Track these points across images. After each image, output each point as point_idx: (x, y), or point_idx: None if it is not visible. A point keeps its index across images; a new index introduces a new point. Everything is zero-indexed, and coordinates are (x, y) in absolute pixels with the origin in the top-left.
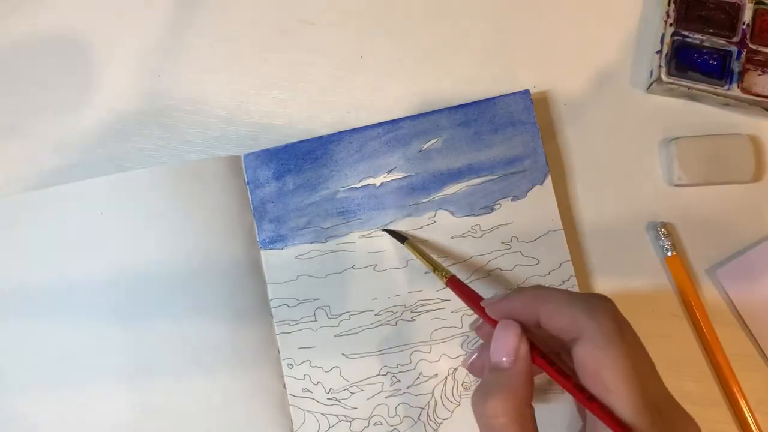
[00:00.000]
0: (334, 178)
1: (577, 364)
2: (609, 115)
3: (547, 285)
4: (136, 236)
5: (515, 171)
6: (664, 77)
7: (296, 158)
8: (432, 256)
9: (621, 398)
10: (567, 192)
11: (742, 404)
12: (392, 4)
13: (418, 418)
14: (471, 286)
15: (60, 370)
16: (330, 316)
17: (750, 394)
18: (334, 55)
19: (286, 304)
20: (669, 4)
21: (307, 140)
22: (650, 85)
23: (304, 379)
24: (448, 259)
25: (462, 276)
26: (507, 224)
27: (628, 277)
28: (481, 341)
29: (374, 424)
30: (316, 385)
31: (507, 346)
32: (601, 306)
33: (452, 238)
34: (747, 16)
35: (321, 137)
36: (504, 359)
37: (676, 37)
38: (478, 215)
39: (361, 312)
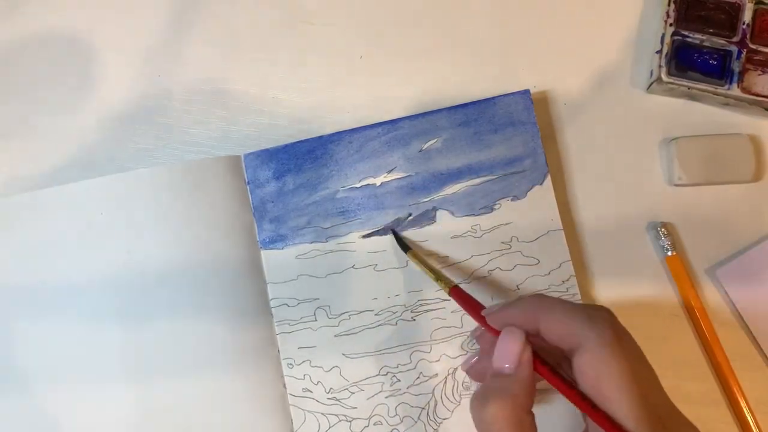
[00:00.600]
0: (334, 178)
1: (577, 373)
2: (609, 115)
3: (547, 284)
4: (136, 236)
5: (515, 171)
6: (664, 77)
7: (296, 158)
8: (434, 266)
9: (622, 408)
10: (567, 192)
11: (742, 404)
12: (392, 4)
13: (418, 418)
14: (471, 286)
15: (60, 371)
16: (330, 316)
17: (750, 394)
18: (334, 55)
19: (286, 304)
20: (669, 4)
21: (307, 140)
22: (650, 85)
23: (304, 379)
24: (449, 258)
25: (462, 276)
26: (507, 224)
27: (628, 277)
28: (481, 348)
29: (374, 424)
30: (316, 384)
31: (510, 352)
32: (601, 316)
33: (452, 237)
34: (747, 16)
35: (321, 137)
36: (506, 366)
37: (676, 37)
38: (478, 215)
39: (361, 312)
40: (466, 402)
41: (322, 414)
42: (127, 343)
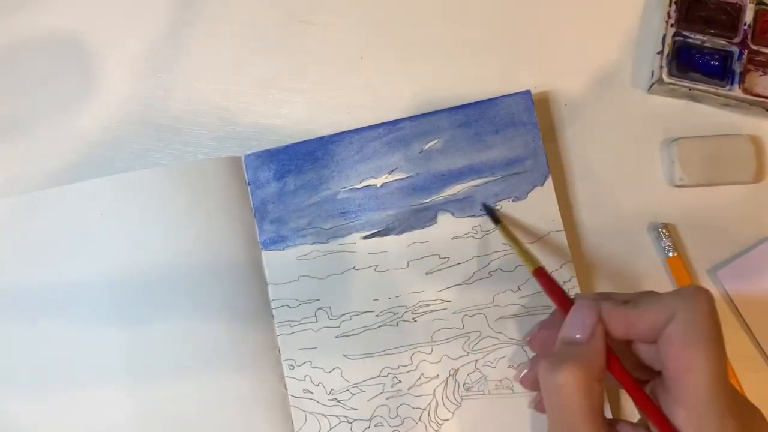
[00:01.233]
0: (335, 179)
1: (664, 344)
2: (610, 115)
3: None
4: (136, 237)
5: (516, 172)
6: (665, 78)
7: (297, 159)
8: (522, 244)
9: (703, 377)
10: (568, 193)
11: None
12: (392, 5)
13: (419, 419)
14: (472, 287)
15: (60, 371)
16: (331, 317)
17: (750, 394)
18: (334, 55)
19: (287, 305)
20: (670, 5)
21: (308, 141)
22: (651, 86)
23: (305, 380)
24: (450, 258)
25: (463, 277)
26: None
27: (630, 278)
28: (544, 320)
29: (375, 425)
30: (317, 386)
31: (584, 322)
32: (696, 289)
33: (453, 238)
34: (748, 16)
35: (322, 138)
36: (578, 336)
37: (677, 38)
38: (479, 216)
39: (362, 313)
40: (467, 403)
41: (323, 415)
42: (127, 344)
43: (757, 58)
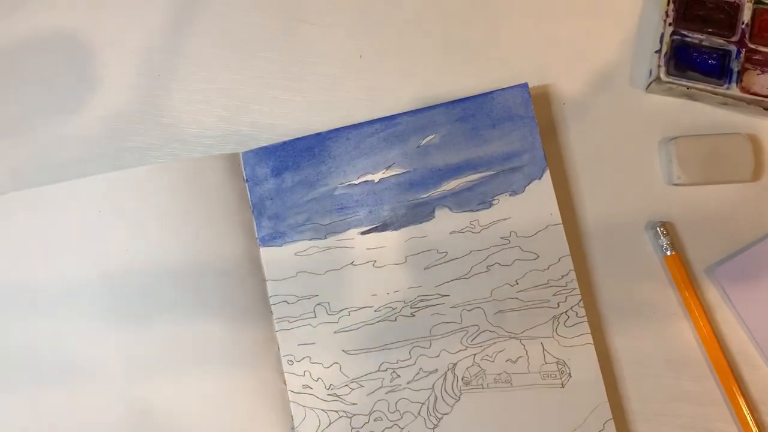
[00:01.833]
0: (332, 175)
1: None
2: (608, 114)
3: (546, 279)
4: (134, 234)
5: (513, 166)
6: (663, 77)
7: (294, 155)
8: None
9: None
10: (566, 191)
11: (742, 404)
12: (391, 4)
13: (418, 414)
14: (470, 281)
15: (58, 369)
16: (329, 313)
17: (750, 394)
18: (334, 54)
19: (286, 301)
20: (668, 4)
21: (305, 137)
22: (649, 85)
23: (304, 376)
24: (448, 253)
25: (461, 272)
26: (505, 219)
27: (627, 276)
28: None
29: (374, 420)
30: (316, 381)
31: None
32: None
33: (451, 233)
34: (746, 15)
35: (319, 134)
36: None
37: (675, 37)
38: (477, 210)
39: (361, 308)
40: (465, 397)
41: (323, 410)
42: (125, 341)
43: (754, 57)
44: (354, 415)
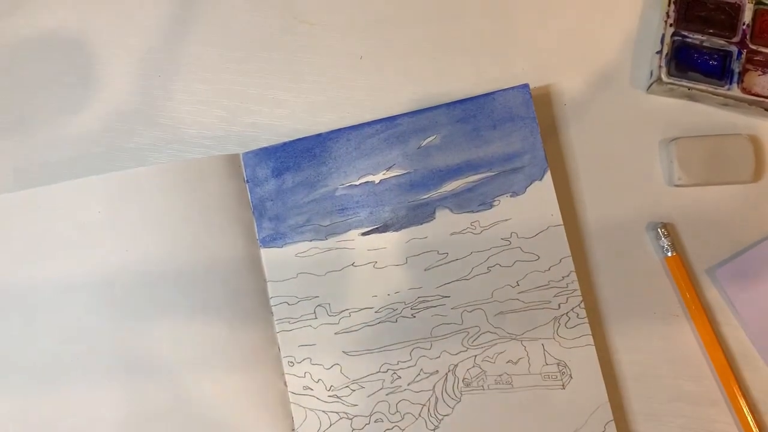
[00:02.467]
0: (333, 176)
1: None
2: (609, 115)
3: (547, 280)
4: (134, 235)
5: (514, 167)
6: (664, 77)
7: (295, 156)
8: None
9: None
10: (567, 192)
11: (742, 404)
12: (392, 4)
13: (419, 415)
14: (470, 282)
15: (57, 370)
16: (330, 314)
17: (750, 394)
18: (334, 55)
19: (286, 302)
20: (669, 5)
21: (306, 138)
22: (650, 86)
23: (304, 377)
24: (449, 254)
25: (461, 273)
26: (506, 220)
27: (628, 276)
28: None
29: (375, 421)
30: (317, 382)
31: None
32: None
33: (452, 234)
34: (747, 16)
35: (319, 135)
36: None
37: (676, 38)
38: (477, 211)
39: (361, 309)
40: (466, 398)
41: (323, 411)
42: (126, 342)
43: (755, 58)
44: (354, 416)
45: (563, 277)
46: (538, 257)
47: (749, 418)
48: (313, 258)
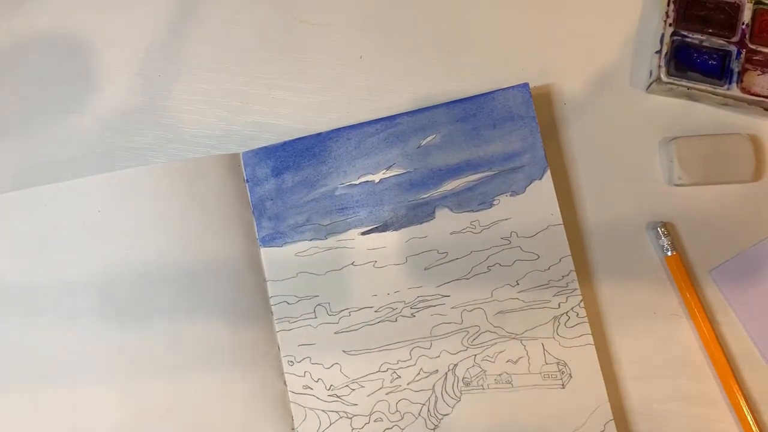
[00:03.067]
0: (332, 175)
1: None
2: (609, 115)
3: (546, 280)
4: (134, 234)
5: (514, 166)
6: (663, 77)
7: (295, 155)
8: None
9: None
10: (567, 191)
11: (742, 404)
12: (392, 4)
13: (419, 414)
14: (470, 281)
15: (57, 370)
16: (330, 313)
17: (750, 394)
18: (334, 55)
19: (286, 302)
20: (668, 4)
21: (306, 137)
22: (650, 85)
23: (304, 376)
24: (449, 253)
25: (461, 272)
26: (506, 219)
27: (628, 276)
28: None
29: (375, 421)
30: (317, 381)
31: None
32: None
33: (452, 234)
34: (746, 16)
35: (319, 134)
36: None
37: (675, 37)
38: (477, 211)
39: (361, 308)
40: (466, 398)
41: (323, 411)
42: (125, 342)
43: (755, 58)
44: (354, 415)
45: (563, 277)
46: (538, 256)
47: (749, 418)
48: (312, 257)
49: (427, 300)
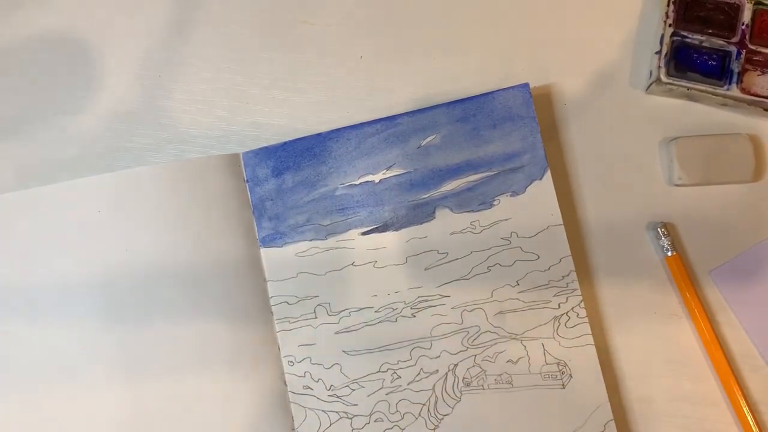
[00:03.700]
0: (332, 175)
1: None
2: (609, 115)
3: (547, 280)
4: (134, 235)
5: (514, 166)
6: (663, 78)
7: (295, 155)
8: None
9: None
10: (567, 191)
11: (742, 404)
12: (391, 4)
13: (419, 414)
14: (470, 282)
15: (56, 370)
16: (330, 313)
17: (750, 394)
18: (333, 55)
19: (286, 302)
20: (668, 5)
21: (306, 137)
22: (650, 86)
23: (304, 377)
24: (449, 254)
25: (461, 272)
26: (506, 220)
27: (628, 276)
28: None
29: (375, 421)
30: (317, 382)
31: None
32: None
33: (452, 234)
34: (746, 16)
35: (319, 134)
36: None
37: (675, 38)
38: (478, 211)
39: (361, 309)
40: (466, 398)
41: (323, 411)
42: (125, 342)
43: (755, 58)
44: (354, 416)
45: (563, 277)
46: (538, 257)
47: (749, 418)
48: (313, 257)
49: (428, 300)
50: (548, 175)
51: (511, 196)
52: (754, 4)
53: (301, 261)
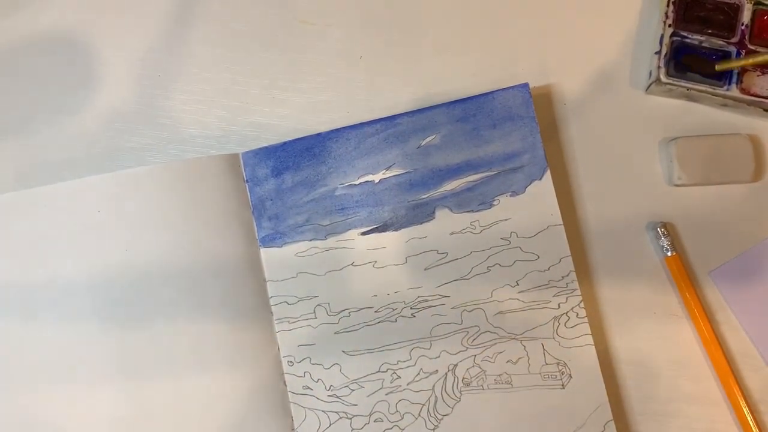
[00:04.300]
0: (332, 175)
1: None
2: (609, 115)
3: (546, 280)
4: (134, 235)
5: (514, 166)
6: (663, 78)
7: (294, 155)
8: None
9: None
10: (567, 191)
11: (742, 404)
12: (391, 4)
13: (419, 415)
14: (470, 282)
15: (56, 370)
16: (330, 313)
17: (750, 394)
18: (334, 54)
19: (286, 302)
20: (668, 5)
21: (306, 137)
22: (649, 86)
23: (304, 377)
24: (449, 254)
25: (461, 272)
26: (506, 220)
27: (628, 276)
28: None
29: (375, 421)
30: (317, 382)
31: None
32: None
33: (451, 234)
34: (746, 16)
35: (319, 134)
36: None
37: (675, 38)
38: (477, 211)
39: (361, 309)
40: (466, 398)
41: (323, 411)
42: (125, 342)
43: None
44: (354, 416)
45: (563, 277)
46: (538, 257)
47: (749, 418)
48: (312, 257)
49: (427, 300)
50: (548, 175)
51: (510, 196)
52: (754, 4)
53: (301, 261)
